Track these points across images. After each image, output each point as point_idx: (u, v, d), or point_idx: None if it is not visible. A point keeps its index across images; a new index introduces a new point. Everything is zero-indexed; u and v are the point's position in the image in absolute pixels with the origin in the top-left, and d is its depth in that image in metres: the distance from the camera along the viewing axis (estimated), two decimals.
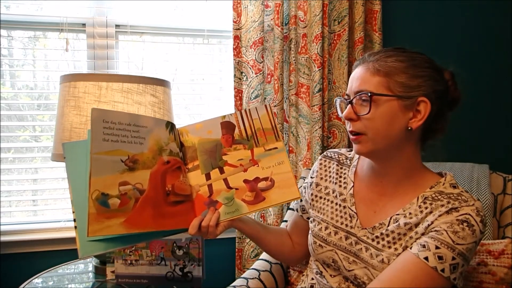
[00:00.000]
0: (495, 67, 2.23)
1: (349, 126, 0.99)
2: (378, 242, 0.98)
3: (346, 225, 1.05)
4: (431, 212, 0.94)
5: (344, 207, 1.07)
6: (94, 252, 0.87)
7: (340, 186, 1.10)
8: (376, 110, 0.93)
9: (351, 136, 0.99)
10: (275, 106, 1.78)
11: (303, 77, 1.82)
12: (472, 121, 2.18)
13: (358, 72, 0.98)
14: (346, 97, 1.01)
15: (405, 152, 0.98)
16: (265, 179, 1.00)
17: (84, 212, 0.83)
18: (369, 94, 0.93)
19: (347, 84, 1.82)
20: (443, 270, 0.87)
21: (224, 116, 1.05)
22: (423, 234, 0.93)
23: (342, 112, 1.04)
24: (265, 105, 1.05)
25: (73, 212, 0.90)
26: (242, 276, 1.33)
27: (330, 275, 1.07)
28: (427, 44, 2.10)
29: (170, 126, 1.02)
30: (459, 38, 2.17)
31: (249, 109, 1.05)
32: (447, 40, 2.15)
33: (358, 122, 0.96)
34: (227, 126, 1.04)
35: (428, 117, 0.94)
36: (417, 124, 0.94)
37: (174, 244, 1.33)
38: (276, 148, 1.02)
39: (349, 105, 0.98)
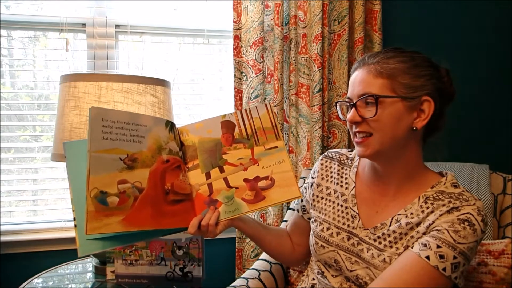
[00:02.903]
0: (495, 67, 2.22)
1: (354, 128, 0.98)
2: (380, 242, 0.98)
3: (348, 226, 1.05)
4: (432, 212, 0.94)
5: (346, 207, 1.07)
6: (94, 250, 0.87)
7: (341, 186, 1.10)
8: (382, 112, 0.93)
9: (356, 139, 0.98)
10: (275, 106, 1.78)
11: (303, 77, 1.82)
12: (472, 121, 2.18)
13: (359, 75, 0.98)
14: (347, 100, 1.00)
15: (408, 152, 0.98)
16: (265, 178, 1.00)
17: (83, 211, 0.83)
18: (375, 97, 0.92)
19: (347, 85, 1.83)
20: (444, 269, 0.87)
21: (224, 115, 1.04)
22: (424, 233, 0.93)
23: (343, 115, 1.04)
24: (265, 104, 1.04)
25: (73, 211, 0.90)
26: (242, 276, 1.33)
27: (332, 275, 1.07)
28: (427, 44, 2.11)
29: (170, 125, 1.02)
30: (459, 38, 2.17)
31: (249, 108, 1.05)
32: (447, 40, 2.15)
33: (364, 124, 0.95)
34: (227, 125, 1.04)
35: (432, 116, 0.95)
36: (422, 124, 0.95)
37: (174, 244, 1.33)
38: (276, 147, 1.02)
39: (353, 108, 0.97)
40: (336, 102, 1.09)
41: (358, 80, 0.97)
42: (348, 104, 1.00)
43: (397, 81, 0.93)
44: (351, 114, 0.97)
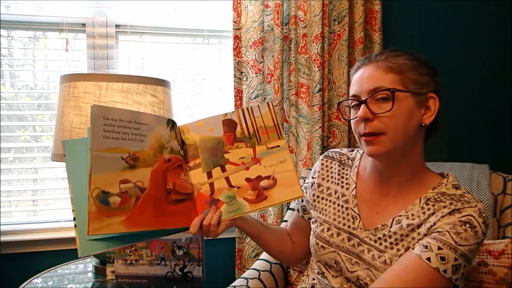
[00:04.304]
0: (495, 67, 2.23)
1: (363, 128, 0.95)
2: (380, 244, 0.98)
3: (349, 226, 1.04)
4: (433, 213, 0.94)
5: (347, 208, 1.06)
6: (94, 251, 0.86)
7: (342, 187, 1.10)
8: (397, 107, 0.92)
9: (365, 138, 0.95)
10: (275, 106, 1.78)
11: (303, 77, 1.82)
12: (472, 121, 2.18)
13: (367, 71, 0.97)
14: (353, 97, 0.98)
15: (414, 152, 0.98)
16: (267, 177, 0.99)
17: (84, 211, 0.82)
18: (391, 90, 0.92)
19: (347, 85, 1.84)
20: (445, 271, 0.87)
21: (226, 114, 1.04)
22: (425, 235, 0.93)
23: (346, 115, 1.04)
24: (267, 103, 1.04)
25: (73, 211, 0.89)
26: (242, 276, 1.33)
27: (332, 276, 1.07)
28: (427, 44, 2.12)
29: (171, 123, 1.01)
30: (459, 38, 2.17)
31: (251, 107, 1.04)
32: (447, 40, 2.15)
33: (375, 121, 0.93)
34: (228, 124, 1.03)
35: (437, 113, 0.96)
36: (429, 120, 0.96)
37: (174, 244, 1.32)
38: (278, 146, 1.01)
39: (363, 105, 0.94)
40: (339, 102, 1.09)
41: (366, 76, 0.96)
42: (357, 102, 0.97)
43: (407, 77, 0.94)
44: (362, 110, 0.94)
